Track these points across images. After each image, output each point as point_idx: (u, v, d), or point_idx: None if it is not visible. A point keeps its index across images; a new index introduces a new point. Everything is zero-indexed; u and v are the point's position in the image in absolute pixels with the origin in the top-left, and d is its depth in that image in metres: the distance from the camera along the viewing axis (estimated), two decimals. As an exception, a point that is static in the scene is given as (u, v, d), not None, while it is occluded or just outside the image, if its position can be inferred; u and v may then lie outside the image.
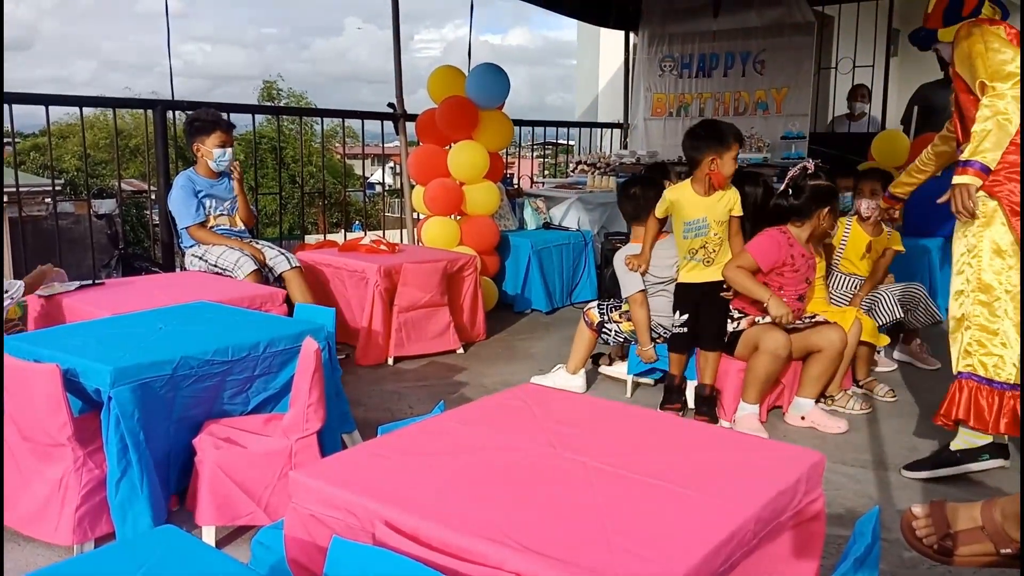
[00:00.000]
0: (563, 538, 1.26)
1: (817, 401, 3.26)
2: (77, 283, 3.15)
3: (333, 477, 1.44)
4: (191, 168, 4.00)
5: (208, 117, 3.95)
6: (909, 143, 5.68)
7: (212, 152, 3.89)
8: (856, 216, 3.88)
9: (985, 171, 2.64)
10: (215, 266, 3.78)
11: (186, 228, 3.88)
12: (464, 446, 1.61)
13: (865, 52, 7.49)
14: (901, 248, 3.94)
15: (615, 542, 1.25)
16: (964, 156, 2.67)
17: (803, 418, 3.20)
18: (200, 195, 3.90)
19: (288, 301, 3.31)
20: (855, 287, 3.89)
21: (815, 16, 6.77)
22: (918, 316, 3.88)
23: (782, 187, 3.26)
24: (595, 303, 3.61)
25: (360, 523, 1.34)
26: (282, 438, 2.26)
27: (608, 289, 5.45)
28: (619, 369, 3.76)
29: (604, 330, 3.51)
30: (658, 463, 1.56)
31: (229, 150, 3.93)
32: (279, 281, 3.84)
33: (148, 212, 6.22)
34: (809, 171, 3.21)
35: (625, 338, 3.50)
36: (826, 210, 3.18)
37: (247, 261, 3.71)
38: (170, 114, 4.60)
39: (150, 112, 4.63)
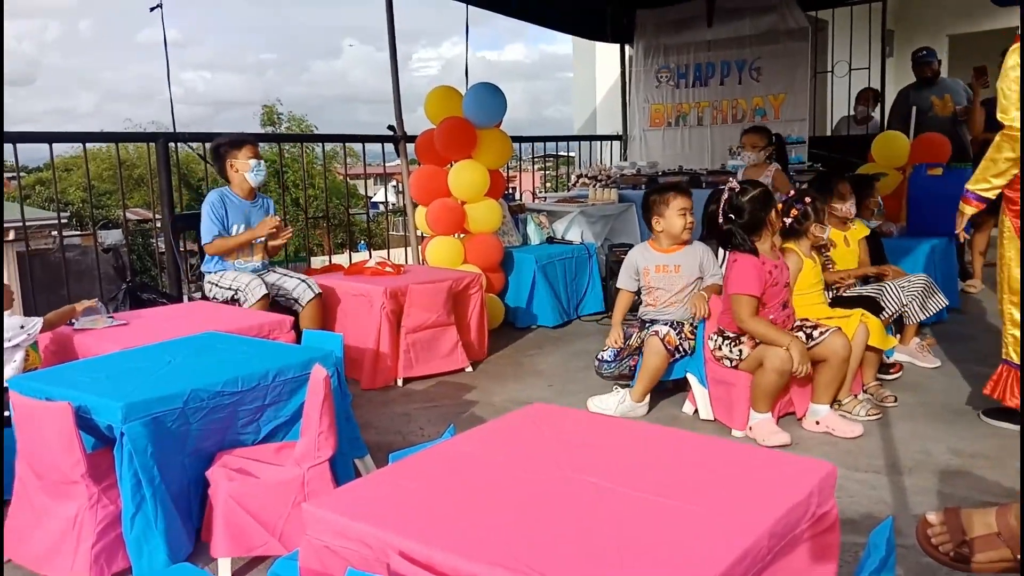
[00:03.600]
0: (577, 562, 1.26)
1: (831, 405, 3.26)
2: (111, 320, 3.19)
3: (346, 508, 1.45)
4: (226, 187, 4.03)
5: (232, 137, 4.05)
6: (909, 144, 5.70)
7: (248, 164, 3.94)
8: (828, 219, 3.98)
9: (981, 200, 2.99)
10: (229, 288, 3.82)
11: (205, 245, 3.93)
12: (475, 471, 1.61)
13: (861, 55, 7.52)
14: (866, 231, 4.19)
15: (630, 564, 1.25)
16: (968, 184, 2.97)
17: (818, 423, 3.20)
18: (229, 216, 3.92)
19: (296, 327, 3.33)
20: (845, 288, 3.91)
21: (809, 21, 6.80)
22: (926, 307, 3.87)
23: (720, 214, 3.21)
24: (669, 328, 3.40)
25: (375, 554, 1.35)
26: (294, 467, 2.26)
27: (614, 301, 5.45)
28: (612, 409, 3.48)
29: (679, 351, 3.41)
30: (670, 480, 1.56)
31: (262, 162, 4.02)
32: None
33: (154, 240, 6.26)
34: (736, 191, 3.19)
35: (684, 353, 3.44)
36: (772, 214, 3.19)
37: (258, 286, 3.75)
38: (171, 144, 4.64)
39: (152, 144, 4.67)
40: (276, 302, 3.89)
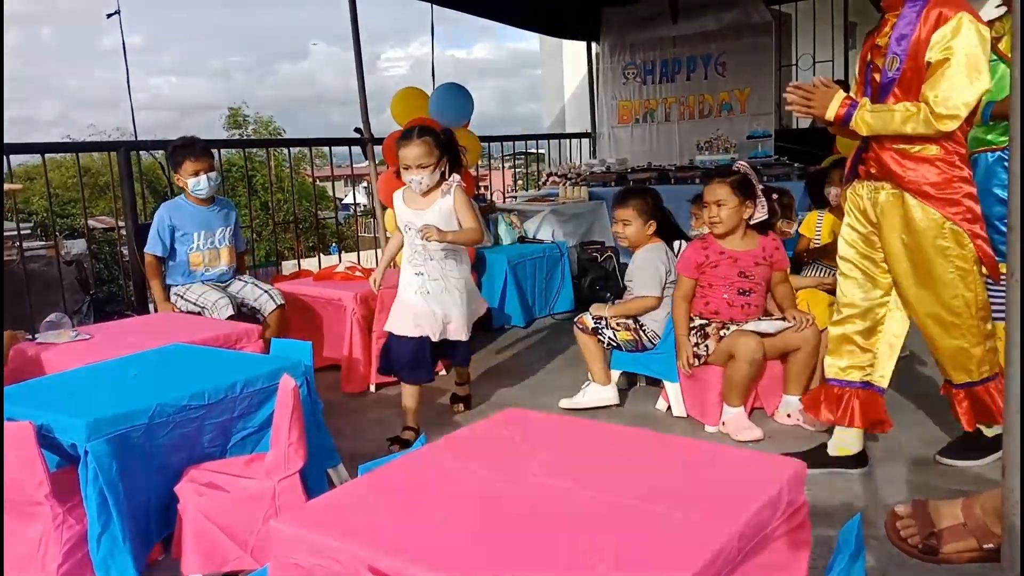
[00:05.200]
0: (551, 571, 1.25)
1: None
2: (75, 334, 3.12)
3: (314, 523, 1.43)
4: (182, 195, 3.98)
5: (182, 147, 3.93)
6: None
7: (188, 182, 3.87)
8: (828, 207, 4.03)
9: (844, 124, 2.56)
10: (196, 304, 3.76)
11: (143, 252, 3.90)
12: (446, 482, 1.60)
13: (824, 47, 7.61)
14: None
15: (604, 571, 1.25)
16: (862, 111, 2.55)
17: (789, 415, 3.23)
18: (186, 227, 3.88)
19: (264, 336, 3.29)
20: (831, 275, 3.95)
21: (772, 15, 6.86)
22: None
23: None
24: (585, 312, 3.58)
25: (344, 569, 1.33)
26: (265, 480, 2.23)
27: (588, 298, 5.47)
28: (592, 394, 3.60)
29: (599, 335, 3.49)
30: (642, 484, 1.56)
31: (204, 177, 3.86)
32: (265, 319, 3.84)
33: (120, 248, 6.18)
34: None
35: (618, 345, 3.49)
36: (695, 206, 3.43)
37: (225, 305, 3.70)
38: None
39: (114, 154, 4.59)
40: (240, 311, 3.84)
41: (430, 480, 1.61)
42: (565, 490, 1.54)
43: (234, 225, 4.06)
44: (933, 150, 2.50)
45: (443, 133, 3.34)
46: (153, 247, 3.86)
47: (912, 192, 2.54)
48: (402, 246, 3.38)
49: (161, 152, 4.78)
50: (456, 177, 3.27)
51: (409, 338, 3.18)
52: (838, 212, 4.02)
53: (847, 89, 7.81)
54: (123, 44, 4.75)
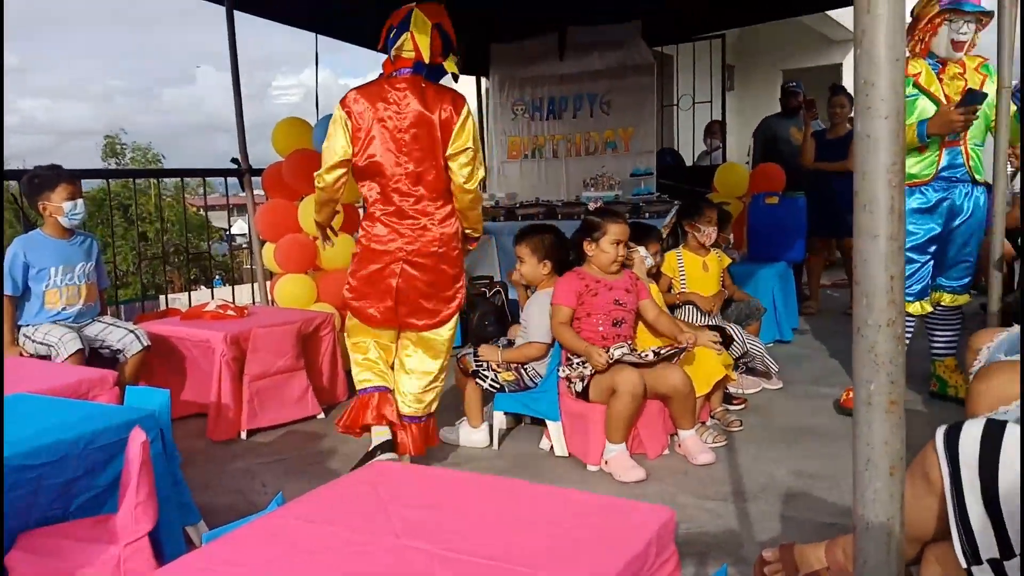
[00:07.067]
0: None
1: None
2: None
3: (145, 605, 1.29)
4: (37, 229, 3.67)
5: (48, 171, 3.65)
6: (748, 174, 6.01)
7: (63, 207, 3.57)
8: (686, 245, 4.25)
9: None
10: (42, 343, 3.48)
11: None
12: (300, 548, 1.49)
13: (703, 88, 7.92)
14: (728, 260, 4.41)
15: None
16: None
17: (680, 445, 3.27)
18: (44, 261, 3.58)
19: (121, 383, 3.06)
20: (704, 318, 4.05)
21: (654, 56, 7.07)
22: (755, 367, 4.13)
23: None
24: (469, 352, 3.54)
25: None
26: (110, 544, 2.04)
27: (475, 334, 5.40)
28: (463, 433, 3.56)
29: (479, 378, 3.45)
30: (506, 542, 1.50)
31: (80, 201, 3.62)
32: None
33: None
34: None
35: (501, 386, 3.44)
36: (586, 241, 3.39)
37: (72, 339, 3.43)
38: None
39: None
40: (100, 354, 3.58)
41: (283, 548, 1.49)
42: (427, 552, 1.46)
43: (96, 261, 3.80)
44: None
45: None
46: (7, 288, 3.54)
47: None
48: None
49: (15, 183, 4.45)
50: None
51: None
52: (700, 249, 4.21)
53: (723, 128, 8.17)
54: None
